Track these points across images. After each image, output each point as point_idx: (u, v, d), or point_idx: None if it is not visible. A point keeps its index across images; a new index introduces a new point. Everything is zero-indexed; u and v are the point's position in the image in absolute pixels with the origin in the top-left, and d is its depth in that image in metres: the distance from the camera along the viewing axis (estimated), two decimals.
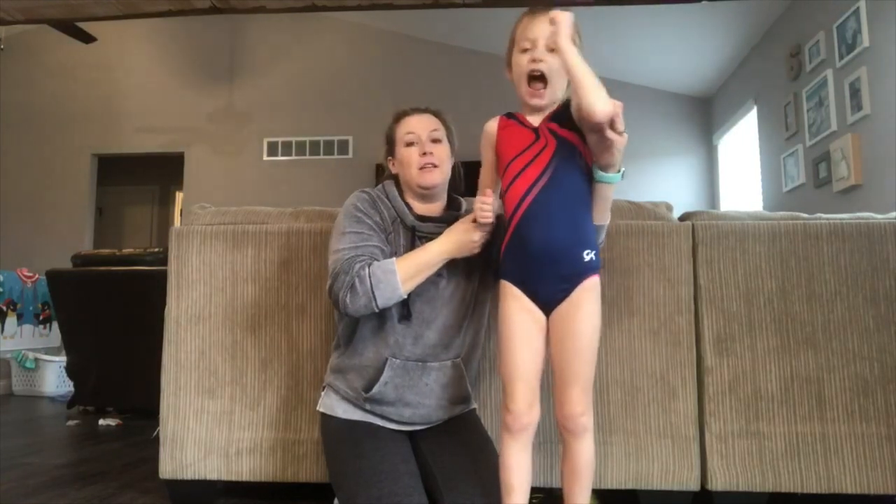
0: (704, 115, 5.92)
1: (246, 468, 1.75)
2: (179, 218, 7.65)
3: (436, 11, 3.91)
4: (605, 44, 4.95)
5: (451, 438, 1.50)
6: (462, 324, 1.53)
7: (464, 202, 1.64)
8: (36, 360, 4.40)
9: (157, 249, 3.45)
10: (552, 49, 1.33)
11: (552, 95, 1.37)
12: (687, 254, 1.75)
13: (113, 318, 3.38)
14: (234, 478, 1.75)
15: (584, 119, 1.28)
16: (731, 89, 5.40)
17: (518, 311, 1.35)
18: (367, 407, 1.48)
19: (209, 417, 1.77)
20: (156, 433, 1.82)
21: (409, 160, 1.53)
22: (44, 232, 6.23)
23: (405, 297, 1.42)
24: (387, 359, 1.46)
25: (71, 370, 3.56)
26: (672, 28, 4.83)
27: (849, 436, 1.68)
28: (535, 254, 1.32)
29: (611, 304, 1.68)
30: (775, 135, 4.43)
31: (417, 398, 1.48)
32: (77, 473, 2.22)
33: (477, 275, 1.56)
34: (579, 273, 1.33)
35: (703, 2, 3.32)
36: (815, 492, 1.67)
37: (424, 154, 1.52)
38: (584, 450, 1.35)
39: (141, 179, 7.88)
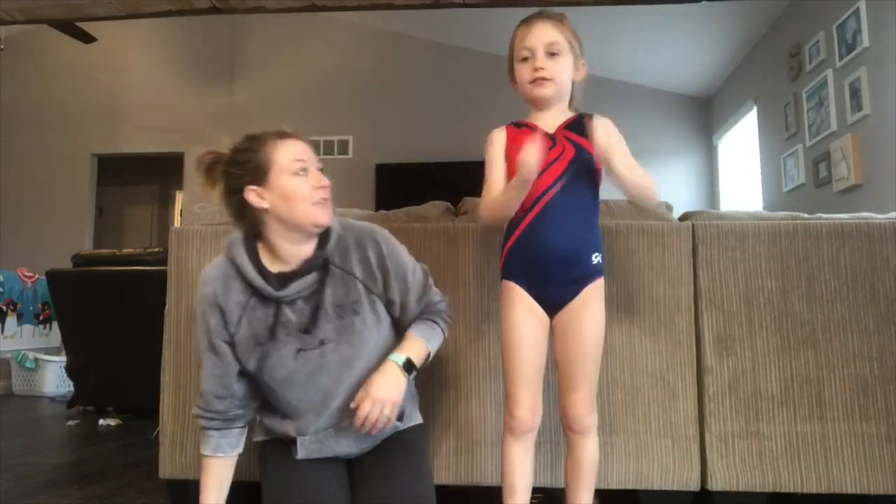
0: (704, 115, 5.92)
1: (246, 468, 1.74)
2: (179, 218, 7.65)
3: (436, 11, 3.91)
4: (606, 44, 4.95)
5: (377, 469, 1.39)
6: (366, 375, 1.34)
7: (333, 228, 1.36)
8: (36, 360, 4.40)
9: (157, 249, 3.44)
10: (552, 53, 1.36)
11: (557, 89, 1.39)
12: (687, 254, 1.75)
13: (113, 318, 3.38)
14: (233, 478, 1.75)
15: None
16: (731, 89, 5.40)
17: (523, 311, 1.35)
18: None
19: None
20: (156, 433, 1.82)
21: (299, 193, 1.28)
22: (44, 232, 6.23)
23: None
24: (295, 438, 1.38)
25: (71, 370, 3.56)
26: (672, 28, 4.82)
27: (849, 436, 1.68)
28: (547, 256, 1.33)
29: (611, 304, 1.67)
30: (775, 135, 4.43)
31: (344, 453, 1.40)
32: (77, 473, 2.22)
33: (373, 335, 1.37)
34: (587, 275, 1.35)
35: (703, 2, 3.32)
36: (815, 492, 1.67)
37: (321, 187, 1.31)
38: (589, 448, 1.36)
39: (141, 179, 7.87)
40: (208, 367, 1.36)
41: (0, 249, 5.98)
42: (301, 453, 1.38)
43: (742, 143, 5.25)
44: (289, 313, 1.32)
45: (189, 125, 6.37)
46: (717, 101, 5.74)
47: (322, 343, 1.32)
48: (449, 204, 1.94)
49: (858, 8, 3.30)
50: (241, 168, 1.31)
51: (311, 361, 1.33)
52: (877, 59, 3.19)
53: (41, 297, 4.80)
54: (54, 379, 4.40)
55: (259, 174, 1.29)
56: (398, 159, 5.99)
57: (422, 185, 5.03)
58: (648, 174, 1.34)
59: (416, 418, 1.49)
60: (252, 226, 1.34)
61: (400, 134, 6.03)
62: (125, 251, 3.54)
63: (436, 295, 1.46)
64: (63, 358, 3.88)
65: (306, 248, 1.33)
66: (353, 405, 1.31)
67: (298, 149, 1.32)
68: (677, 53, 5.27)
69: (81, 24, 4.45)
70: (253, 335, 1.32)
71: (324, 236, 1.35)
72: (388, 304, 1.40)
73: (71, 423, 3.26)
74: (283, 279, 1.31)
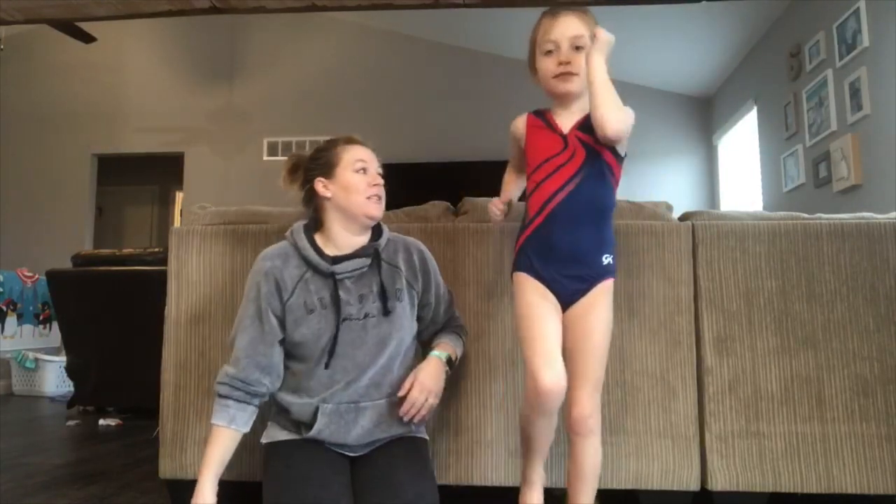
0: (704, 115, 5.92)
1: (246, 468, 1.75)
2: (179, 218, 7.65)
3: (436, 11, 3.90)
4: None
5: (381, 468, 1.44)
6: (394, 363, 1.49)
7: (386, 229, 1.58)
8: (36, 360, 4.40)
9: (157, 249, 3.44)
10: (578, 47, 1.36)
11: (582, 84, 1.38)
12: (687, 254, 1.75)
13: (113, 318, 3.38)
14: (233, 478, 1.74)
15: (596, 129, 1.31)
16: (731, 89, 5.40)
17: (538, 297, 1.37)
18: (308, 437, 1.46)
19: (209, 417, 1.76)
20: (156, 433, 1.82)
21: (357, 186, 1.49)
22: (44, 232, 6.23)
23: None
24: (317, 406, 1.44)
25: (71, 370, 3.56)
26: (672, 28, 4.82)
27: (849, 436, 1.68)
28: (555, 255, 1.35)
29: None
30: (775, 135, 4.43)
31: (355, 440, 1.46)
32: (77, 473, 2.22)
33: (408, 324, 1.52)
34: (597, 275, 1.37)
35: (703, 2, 3.32)
36: (815, 492, 1.67)
37: (376, 185, 1.52)
38: (591, 451, 1.36)
39: (141, 179, 7.87)
40: (250, 334, 1.46)
41: (0, 249, 5.98)
42: (320, 422, 1.43)
43: (742, 143, 5.25)
44: (340, 289, 1.46)
45: (189, 125, 6.37)
46: (717, 101, 5.74)
47: (366, 316, 1.47)
48: (449, 204, 1.94)
49: (858, 8, 3.30)
50: (315, 163, 1.54)
51: (354, 332, 1.45)
52: (877, 59, 3.19)
53: (41, 297, 4.80)
54: (54, 379, 4.40)
55: (328, 168, 1.52)
56: (398, 159, 5.97)
57: (422, 185, 5.03)
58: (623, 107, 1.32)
59: (423, 433, 1.58)
60: (313, 216, 1.55)
61: (400, 134, 6.02)
62: (125, 251, 3.54)
63: (457, 312, 1.66)
64: (63, 358, 3.88)
65: (359, 240, 1.52)
66: (401, 393, 1.45)
67: (362, 152, 1.54)
68: (677, 53, 5.27)
69: (81, 24, 4.45)
70: (305, 302, 1.46)
71: (376, 232, 1.55)
72: (423, 307, 1.56)
73: (71, 423, 3.26)
74: (336, 259, 1.48)
